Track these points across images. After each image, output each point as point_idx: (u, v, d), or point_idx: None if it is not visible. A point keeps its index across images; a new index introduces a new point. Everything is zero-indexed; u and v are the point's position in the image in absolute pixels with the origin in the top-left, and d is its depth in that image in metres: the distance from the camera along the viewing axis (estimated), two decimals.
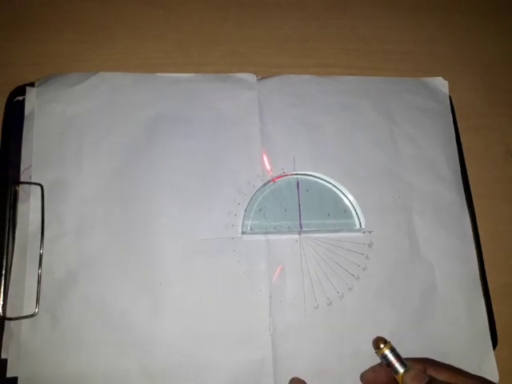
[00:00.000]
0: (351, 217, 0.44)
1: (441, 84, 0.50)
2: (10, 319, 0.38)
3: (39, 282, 0.39)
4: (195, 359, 0.39)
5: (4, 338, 0.38)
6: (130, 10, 0.52)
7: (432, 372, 0.35)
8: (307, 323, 0.41)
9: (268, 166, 0.45)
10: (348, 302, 0.41)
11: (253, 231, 0.42)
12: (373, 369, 0.38)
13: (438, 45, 0.54)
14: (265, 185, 0.44)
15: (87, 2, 0.52)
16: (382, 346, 0.36)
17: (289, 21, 0.54)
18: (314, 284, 0.42)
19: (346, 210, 0.44)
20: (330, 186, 0.45)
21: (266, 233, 0.43)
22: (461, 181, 0.47)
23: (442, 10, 0.56)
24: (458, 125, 0.49)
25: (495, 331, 0.42)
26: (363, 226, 0.43)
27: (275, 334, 0.40)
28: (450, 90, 0.50)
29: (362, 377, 0.39)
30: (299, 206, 0.44)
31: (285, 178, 0.44)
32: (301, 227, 0.43)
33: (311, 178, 0.45)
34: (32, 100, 0.44)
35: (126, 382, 0.38)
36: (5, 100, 0.45)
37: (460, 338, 0.42)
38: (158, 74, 0.47)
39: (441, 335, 0.42)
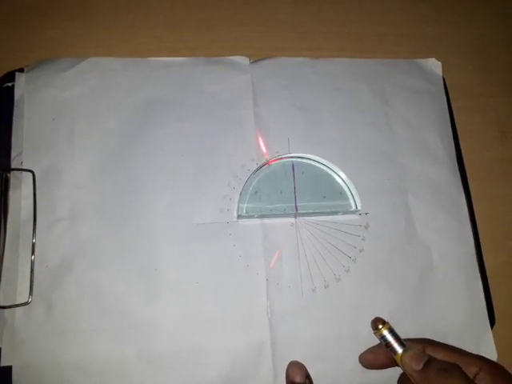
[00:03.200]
0: (347, 199, 0.44)
1: (434, 65, 0.50)
2: (4, 307, 0.38)
3: (32, 269, 0.39)
4: (193, 344, 0.39)
5: None
6: None
7: (431, 352, 0.35)
8: (305, 306, 0.40)
9: (262, 149, 0.44)
10: (345, 284, 0.41)
11: (248, 214, 0.42)
12: (371, 350, 0.38)
13: (432, 26, 0.54)
14: (259, 168, 0.43)
15: None
16: (380, 326, 0.36)
17: (282, 5, 0.53)
18: (311, 266, 0.41)
19: (341, 192, 0.44)
20: (325, 169, 0.44)
21: (262, 216, 0.42)
22: (456, 162, 0.47)
23: None
24: (452, 106, 0.49)
25: (492, 310, 0.42)
26: (359, 208, 0.43)
27: (273, 318, 0.40)
28: (444, 71, 0.50)
29: (361, 358, 0.39)
30: (294, 189, 0.43)
31: (280, 160, 0.44)
32: (296, 210, 0.43)
33: (306, 160, 0.44)
34: (22, 86, 0.44)
35: (123, 368, 0.38)
36: None
37: (458, 317, 0.42)
38: (150, 59, 0.46)
39: (439, 315, 0.41)
